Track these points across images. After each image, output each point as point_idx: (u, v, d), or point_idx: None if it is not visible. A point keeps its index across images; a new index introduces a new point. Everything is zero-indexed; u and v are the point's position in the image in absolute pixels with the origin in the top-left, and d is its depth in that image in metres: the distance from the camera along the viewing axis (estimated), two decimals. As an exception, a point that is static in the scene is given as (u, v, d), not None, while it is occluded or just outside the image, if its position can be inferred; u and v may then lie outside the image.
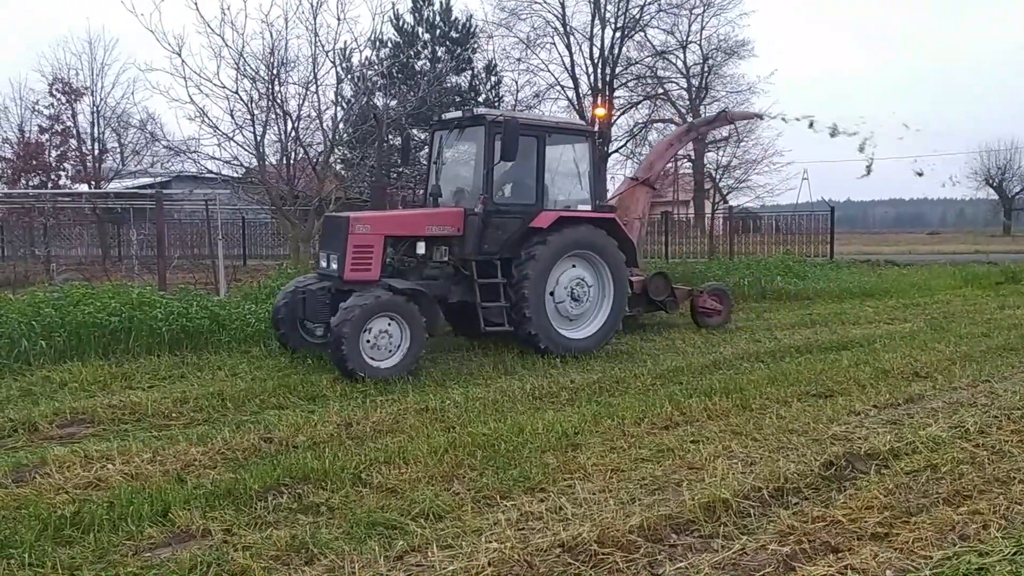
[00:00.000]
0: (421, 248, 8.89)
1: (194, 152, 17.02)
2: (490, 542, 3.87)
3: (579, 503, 4.42)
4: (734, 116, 14.27)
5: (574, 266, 9.41)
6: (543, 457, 5.26)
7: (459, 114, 9.70)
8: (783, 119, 13.96)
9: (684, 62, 35.38)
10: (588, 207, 9.78)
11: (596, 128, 10.74)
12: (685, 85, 36.06)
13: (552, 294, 9.17)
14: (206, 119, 15.49)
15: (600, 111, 11.43)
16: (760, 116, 15.92)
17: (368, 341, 7.83)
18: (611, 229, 9.66)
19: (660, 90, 33.04)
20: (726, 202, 38.30)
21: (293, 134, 16.47)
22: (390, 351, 8.00)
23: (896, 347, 9.49)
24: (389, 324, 7.97)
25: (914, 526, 4.08)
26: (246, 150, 16.27)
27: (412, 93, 19.26)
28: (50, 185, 25.94)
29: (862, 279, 18.46)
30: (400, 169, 26.20)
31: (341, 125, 17.78)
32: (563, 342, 9.12)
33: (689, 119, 36.32)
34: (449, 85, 25.80)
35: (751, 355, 9.17)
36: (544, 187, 9.36)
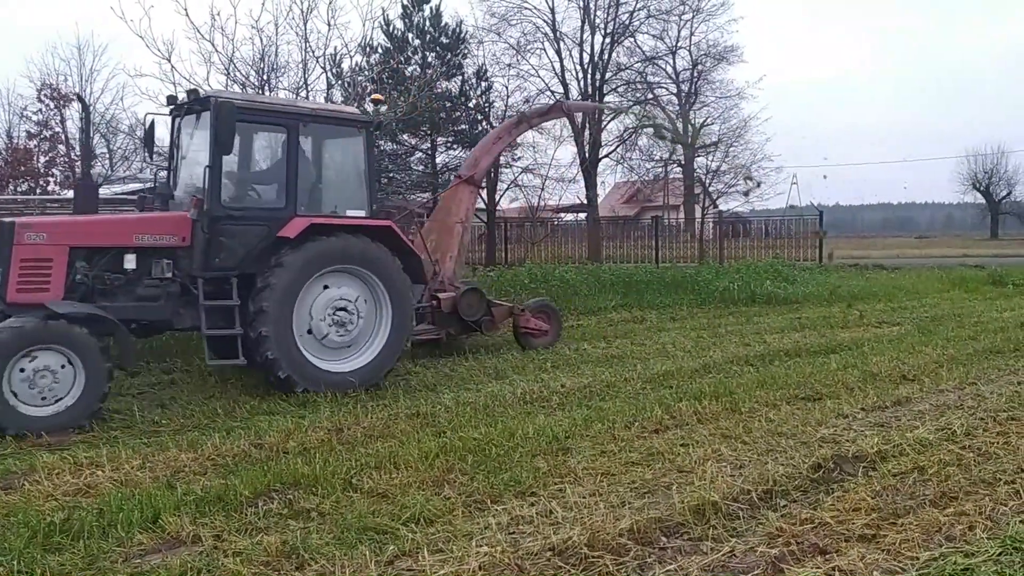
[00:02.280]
0: (131, 262, 7.17)
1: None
2: (481, 546, 3.88)
3: (569, 507, 4.43)
4: (571, 107, 12.89)
5: (339, 285, 7.77)
6: (534, 461, 5.27)
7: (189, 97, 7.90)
8: (633, 114, 13.77)
9: (674, 68, 35.53)
10: (364, 213, 8.13)
11: (374, 119, 9.54)
12: (675, 91, 36.19)
13: (310, 317, 7.58)
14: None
15: (377, 96, 9.00)
16: (600, 108, 15.31)
17: (22, 381, 6.12)
18: (388, 239, 8.01)
19: (650, 95, 33.11)
20: (716, 207, 38.44)
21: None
22: (55, 394, 6.24)
23: (884, 350, 9.55)
24: (54, 360, 6.24)
25: (901, 527, 4.11)
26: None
27: (402, 99, 19.26)
28: (38, 191, 25.81)
29: (851, 283, 18.58)
30: (390, 174, 26.20)
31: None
32: (320, 376, 7.50)
33: (679, 124, 36.55)
34: (440, 91, 25.81)
35: (740, 359, 9.21)
36: (299, 189, 7.74)
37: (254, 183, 8.25)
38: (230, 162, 7.68)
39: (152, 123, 8.78)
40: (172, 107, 8.12)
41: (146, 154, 9.69)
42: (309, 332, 7.59)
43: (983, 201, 74.05)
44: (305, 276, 7.49)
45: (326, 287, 7.68)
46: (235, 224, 7.42)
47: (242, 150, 8.02)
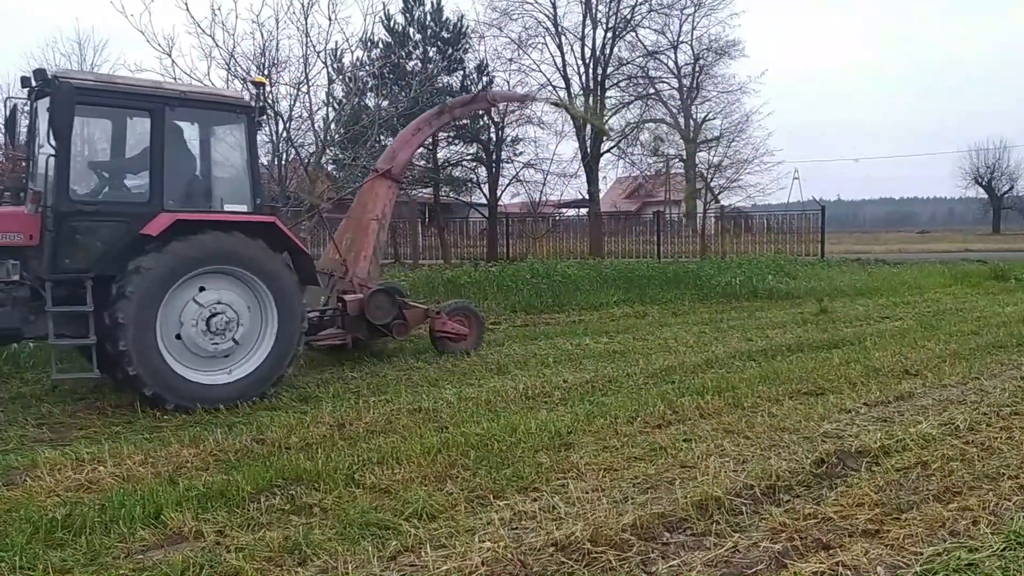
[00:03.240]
0: None
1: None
2: (483, 542, 3.87)
3: (572, 502, 4.43)
4: (496, 97, 11.97)
5: (216, 288, 7.03)
6: (536, 456, 5.26)
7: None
8: (563, 105, 13.36)
9: (675, 62, 35.45)
10: (247, 208, 7.38)
11: (257, 103, 8.13)
12: (676, 85, 36.12)
13: (180, 323, 6.81)
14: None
15: (259, 78, 8.05)
16: (526, 98, 14.79)
17: None
18: (272, 237, 7.28)
19: (651, 90, 33.06)
20: (718, 202, 38.38)
21: (284, 135, 16.43)
22: None
23: (887, 345, 9.53)
24: None
25: (904, 523, 4.10)
26: (237, 151, 16.21)
27: (404, 93, 19.24)
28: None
29: (853, 278, 18.55)
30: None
31: (333, 126, 17.75)
32: (191, 390, 6.75)
33: (680, 120, 36.49)
34: (441, 85, 25.79)
35: (743, 354, 9.19)
36: (168, 181, 6.95)
37: (115, 174, 7.46)
38: (87, 151, 7.07)
39: (15, 108, 7.85)
40: (28, 89, 7.21)
41: (7, 143, 9.44)
42: (179, 338, 6.83)
43: (985, 196, 73.92)
44: (170, 280, 6.67)
45: (203, 289, 6.93)
46: (89, 220, 6.62)
47: (102, 137, 7.32)
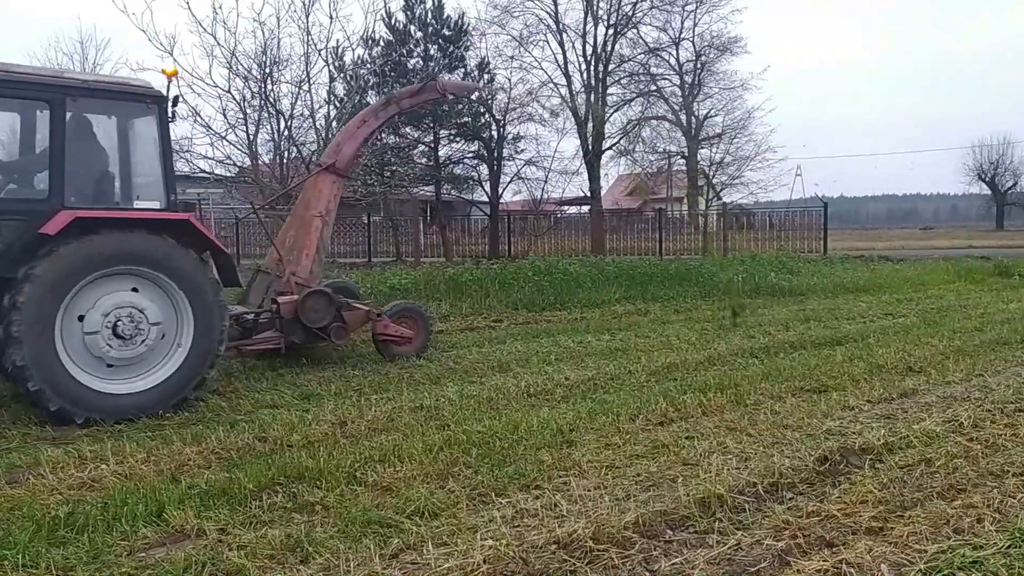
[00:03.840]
0: None
1: (187, 151, 17.00)
2: (485, 539, 3.86)
3: (574, 500, 4.42)
4: (447, 86, 11.06)
5: (125, 290, 6.58)
6: (538, 454, 5.25)
7: None
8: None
9: (677, 59, 35.43)
10: (159, 205, 6.94)
11: (168, 93, 7.24)
12: (678, 82, 36.10)
13: (83, 330, 6.36)
14: (199, 118, 15.45)
15: (169, 70, 8.70)
16: (477, 88, 14.41)
17: None
18: (186, 236, 6.84)
19: (653, 87, 33.05)
20: (720, 199, 38.34)
21: (286, 133, 16.46)
22: None
23: (890, 342, 9.51)
24: None
25: (908, 520, 4.08)
26: (239, 149, 16.28)
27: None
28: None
29: (856, 274, 18.52)
30: (393, 167, 26.17)
31: (334, 124, 17.75)
32: (101, 402, 6.33)
33: (682, 117, 36.44)
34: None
35: (745, 351, 9.18)
36: (70, 176, 6.53)
37: (22, 170, 7.09)
38: None
39: None
40: None
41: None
42: (82, 346, 6.40)
43: (988, 192, 73.80)
44: (67, 285, 6.23)
45: (112, 292, 6.50)
46: None
47: (9, 132, 7.02)
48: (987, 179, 72.52)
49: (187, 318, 6.84)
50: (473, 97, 16.94)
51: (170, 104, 7.17)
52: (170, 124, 7.08)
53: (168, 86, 7.20)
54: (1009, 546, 3.75)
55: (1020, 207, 74.73)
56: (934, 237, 49.34)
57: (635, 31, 31.59)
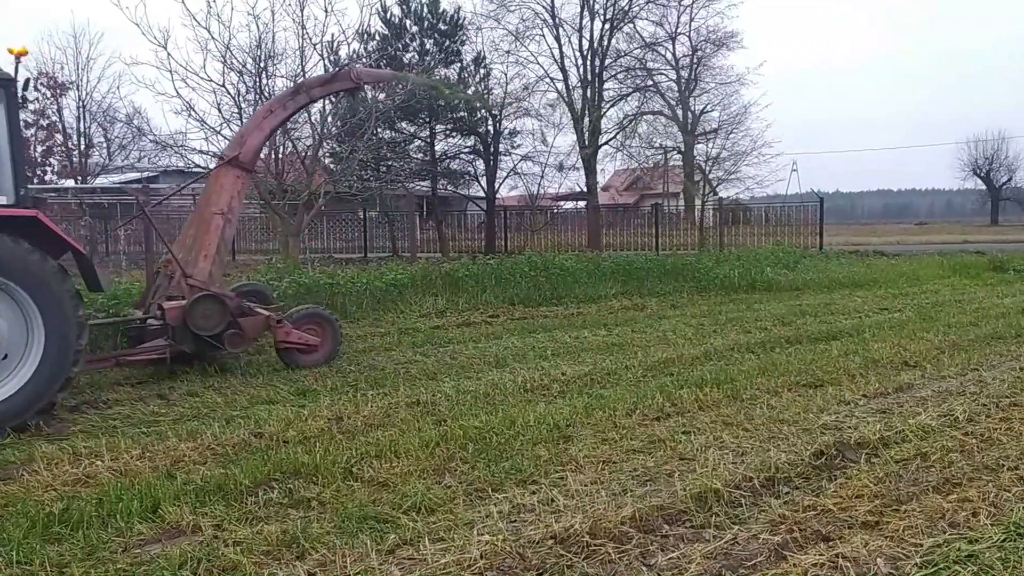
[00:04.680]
0: None
1: (181, 146, 16.95)
2: (482, 535, 3.86)
3: (571, 495, 4.41)
4: (361, 75, 10.13)
5: None
6: (535, 449, 5.25)
7: None
8: (437, 86, 12.61)
9: (673, 54, 35.40)
10: (5, 200, 6.23)
11: (16, 74, 6.49)
12: (674, 77, 36.06)
13: None
14: (193, 113, 15.40)
15: (15, 49, 6.28)
16: (394, 77, 13.82)
17: None
18: (34, 235, 6.09)
19: (649, 82, 33.01)
20: (716, 194, 38.35)
21: (281, 128, 16.38)
22: None
23: (885, 337, 9.53)
24: None
25: (904, 514, 4.09)
26: (234, 144, 16.18)
27: (400, 87, 19.17)
28: (36, 181, 25.74)
29: (851, 269, 18.55)
30: (389, 162, 26.13)
31: (329, 119, 17.70)
32: None
33: (678, 111, 36.42)
34: (438, 78, 25.70)
35: (741, 346, 9.18)
36: None
37: None
38: None
39: None
40: None
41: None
42: None
43: (983, 187, 73.96)
44: None
45: None
46: None
47: None
48: (982, 174, 72.68)
49: (36, 333, 6.03)
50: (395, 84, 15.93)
51: (20, 87, 6.58)
52: (19, 109, 6.44)
53: (16, 67, 6.59)
54: (1004, 540, 3.75)
55: (1015, 202, 74.93)
56: (929, 232, 49.45)
57: (631, 26, 31.54)
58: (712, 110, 36.04)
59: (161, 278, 8.66)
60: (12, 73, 6.47)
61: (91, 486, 4.67)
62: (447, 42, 28.18)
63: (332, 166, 21.23)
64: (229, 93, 15.63)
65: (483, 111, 27.39)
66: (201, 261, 8.34)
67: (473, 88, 27.43)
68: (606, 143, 31.17)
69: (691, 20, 34.09)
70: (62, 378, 6.18)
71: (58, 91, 27.55)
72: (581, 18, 29.68)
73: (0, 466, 5.11)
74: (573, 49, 29.96)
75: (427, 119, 27.03)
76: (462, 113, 27.19)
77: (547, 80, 29.62)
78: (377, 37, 27.27)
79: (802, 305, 13.19)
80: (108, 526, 4.08)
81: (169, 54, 14.31)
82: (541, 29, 29.76)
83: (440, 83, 16.38)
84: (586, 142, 29.40)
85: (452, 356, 8.91)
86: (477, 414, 6.14)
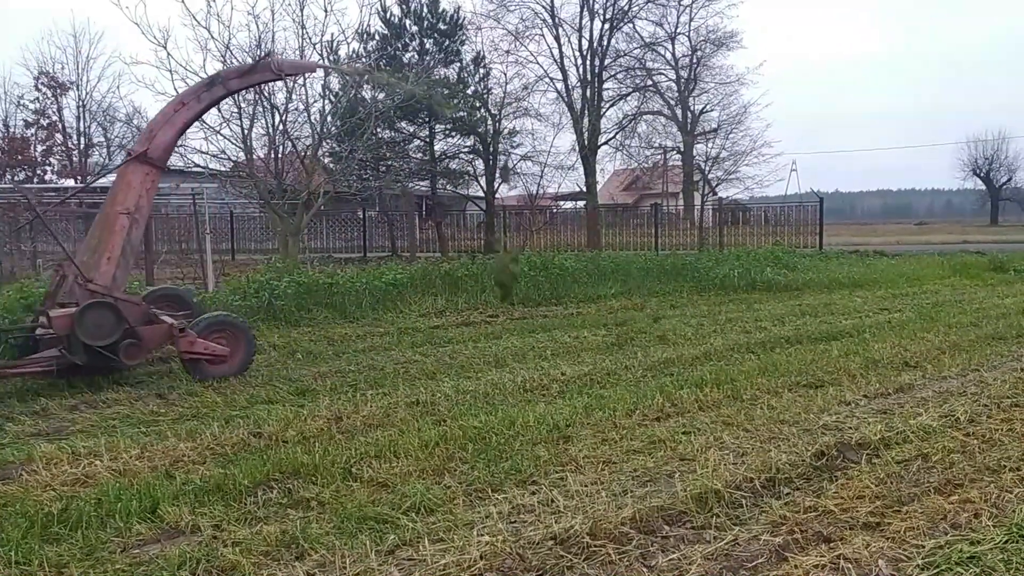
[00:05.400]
0: None
1: (180, 146, 16.92)
2: (482, 535, 3.85)
3: (571, 495, 4.40)
4: (282, 66, 9.43)
5: None
6: (534, 450, 5.24)
7: None
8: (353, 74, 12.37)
9: (673, 54, 35.45)
10: None
11: None
12: (674, 77, 36.08)
13: None
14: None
15: None
16: (316, 67, 13.30)
17: None
18: None
19: (649, 82, 33.01)
20: (715, 194, 38.36)
21: (281, 127, 16.38)
22: None
23: (885, 337, 9.52)
24: None
25: (906, 515, 4.08)
26: (233, 143, 16.20)
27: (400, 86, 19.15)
28: (36, 180, 25.72)
29: (851, 270, 18.53)
30: (389, 163, 26.11)
31: (329, 118, 17.69)
32: None
33: (678, 111, 36.42)
34: (437, 77, 25.70)
35: (741, 346, 9.17)
36: None
37: None
38: None
39: None
40: None
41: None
42: None
43: (983, 187, 73.97)
44: None
45: None
46: None
47: None
48: (982, 174, 72.68)
49: None
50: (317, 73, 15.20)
51: None
52: None
53: None
54: (1006, 541, 3.74)
55: (1015, 202, 74.94)
56: (929, 232, 49.44)
57: (631, 26, 31.56)
58: (711, 110, 36.12)
59: (54, 281, 7.99)
60: None
61: (90, 486, 4.65)
62: (447, 42, 28.19)
63: (331, 165, 21.23)
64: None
65: (483, 110, 27.36)
66: (104, 264, 7.73)
67: (472, 88, 27.38)
68: (605, 143, 31.16)
69: (691, 20, 34.18)
70: None
71: (58, 91, 27.57)
72: (581, 18, 29.68)
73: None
74: (573, 49, 29.96)
75: (427, 119, 27.02)
76: (461, 113, 27.17)
77: (547, 80, 29.62)
78: (377, 37, 27.27)
79: (802, 305, 13.18)
80: (107, 526, 4.06)
81: (169, 54, 14.26)
82: (541, 29, 29.76)
83: (382, 74, 15.85)
84: (585, 142, 29.40)
85: (451, 356, 8.89)
86: (476, 414, 6.13)
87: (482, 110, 27.34)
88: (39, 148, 26.81)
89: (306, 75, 15.56)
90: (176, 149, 17.49)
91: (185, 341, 7.63)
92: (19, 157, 25.96)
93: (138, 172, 8.04)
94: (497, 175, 26.62)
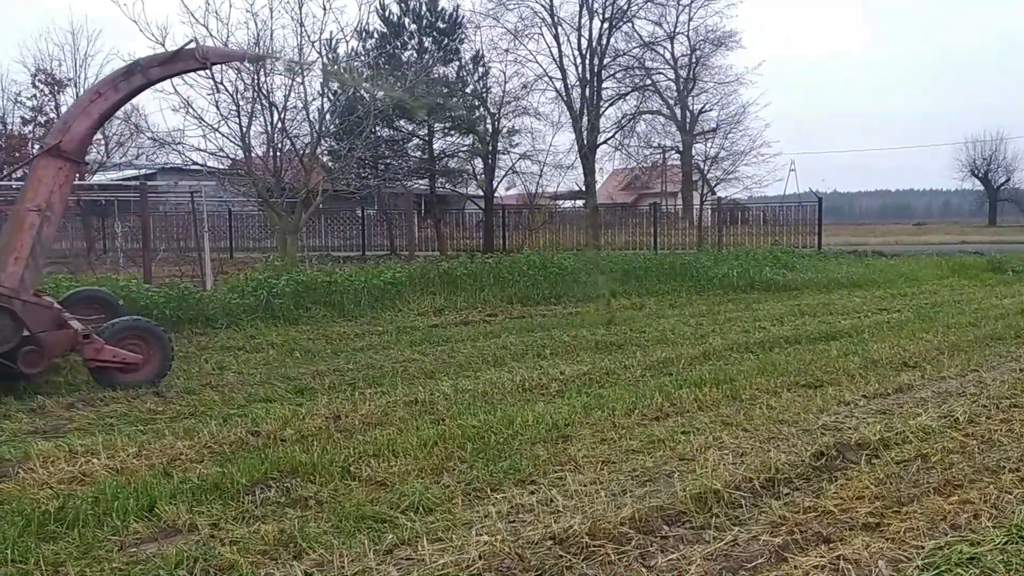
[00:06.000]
0: None
1: (179, 144, 16.92)
2: (480, 535, 3.84)
3: (570, 495, 4.39)
4: (208, 54, 8.67)
5: None
6: (533, 449, 5.22)
7: None
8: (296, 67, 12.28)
9: (672, 53, 35.44)
10: None
11: None
12: (673, 76, 36.07)
13: None
14: (191, 110, 15.35)
15: None
16: (244, 56, 12.78)
17: None
18: None
19: (648, 81, 33.01)
20: (714, 193, 38.34)
21: (279, 125, 16.35)
22: None
23: (884, 337, 9.51)
24: None
25: (905, 516, 4.07)
26: (232, 141, 16.18)
27: (399, 84, 19.14)
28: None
29: (850, 270, 18.54)
30: (388, 161, 26.08)
31: (328, 116, 17.66)
32: None
33: (677, 111, 36.41)
34: (436, 76, 25.68)
35: (740, 346, 9.16)
36: None
37: None
38: None
39: None
40: None
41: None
42: None
43: (981, 188, 74.03)
44: None
45: None
46: None
47: None
48: (980, 175, 72.74)
49: None
50: (246, 63, 14.62)
51: None
52: None
53: None
54: (1006, 542, 3.73)
55: (1013, 203, 75.00)
56: (927, 233, 49.47)
57: (630, 25, 31.57)
58: (710, 109, 36.12)
59: None
60: None
61: (87, 484, 4.63)
62: (446, 40, 28.15)
63: (330, 164, 21.20)
64: (227, 90, 15.57)
65: (481, 109, 27.34)
66: (11, 264, 7.21)
67: (472, 87, 27.33)
68: (604, 142, 31.16)
69: (690, 19, 34.15)
70: None
71: (56, 88, 27.52)
72: (580, 17, 29.72)
73: (-5, 464, 5.07)
74: (572, 48, 29.98)
75: (426, 117, 26.99)
76: (461, 111, 27.15)
77: (546, 79, 29.61)
78: (376, 35, 27.23)
79: (801, 305, 13.18)
80: (104, 525, 4.04)
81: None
82: (540, 28, 29.79)
83: (336, 72, 15.39)
84: (584, 141, 29.38)
85: (450, 355, 8.88)
86: (475, 413, 6.11)
87: (481, 109, 27.32)
88: (36, 146, 26.77)
89: (236, 62, 14.57)
90: (174, 147, 17.51)
91: (91, 348, 7.15)
92: (16, 154, 25.90)
93: (50, 166, 7.52)
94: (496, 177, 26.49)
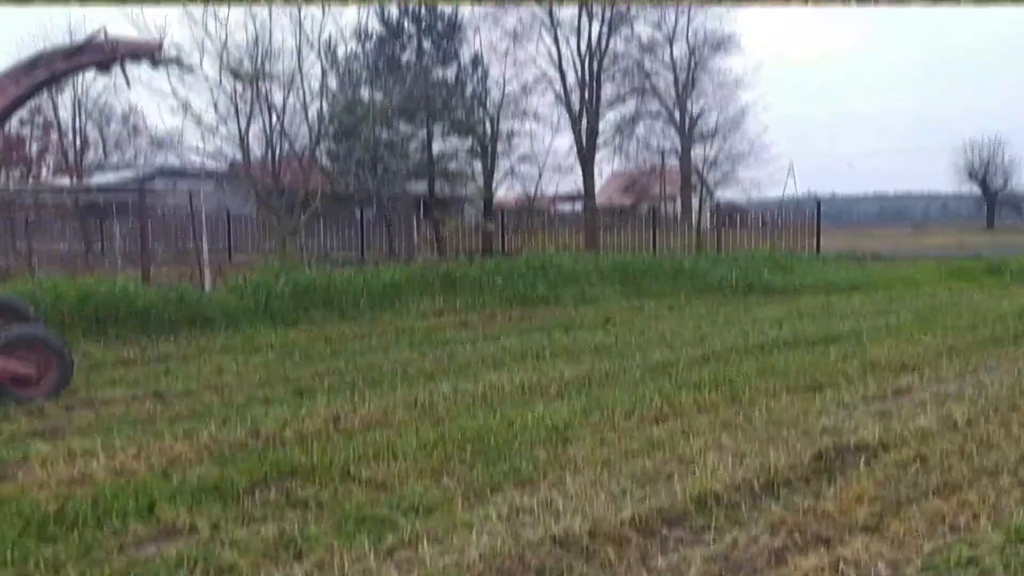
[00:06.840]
0: None
1: (177, 145, 16.90)
2: (481, 536, 3.84)
3: (570, 496, 4.39)
4: (119, 45, 7.86)
5: None
6: (533, 451, 5.23)
7: None
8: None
9: (671, 56, 35.45)
10: None
11: None
12: (672, 79, 36.09)
13: None
14: (189, 112, 15.35)
15: None
16: (153, 48, 12.27)
17: None
18: None
19: (647, 84, 33.06)
20: (713, 196, 38.38)
21: (278, 127, 16.36)
22: None
23: (883, 340, 9.52)
24: None
25: (904, 517, 4.08)
26: (230, 143, 16.16)
27: (398, 86, 19.17)
28: (32, 179, 25.66)
29: (848, 273, 18.56)
30: (386, 163, 26.06)
31: (327, 118, 17.67)
32: None
33: (676, 114, 36.45)
34: (435, 78, 25.71)
35: (740, 348, 9.17)
36: None
37: None
38: None
39: None
40: None
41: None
42: None
43: (979, 192, 74.14)
44: None
45: None
46: None
47: None
48: (978, 179, 72.83)
49: None
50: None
51: None
52: None
53: None
54: (1005, 544, 3.74)
55: (1010, 206, 75.12)
56: (925, 236, 49.51)
57: (629, 27, 31.59)
58: (709, 112, 36.10)
59: None
60: None
61: (86, 486, 4.62)
62: (445, 42, 28.16)
63: (329, 166, 21.21)
64: (225, 92, 15.58)
65: (481, 111, 27.35)
66: None
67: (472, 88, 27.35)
68: (603, 145, 31.18)
69: (688, 22, 34.20)
70: None
71: (54, 89, 27.48)
72: (579, 19, 29.76)
73: (-6, 465, 5.06)
74: (571, 51, 30.01)
75: (425, 119, 27.00)
76: (460, 112, 27.16)
77: (545, 81, 29.64)
78: (375, 37, 27.24)
79: (800, 308, 13.18)
80: (103, 526, 4.04)
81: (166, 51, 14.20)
82: (539, 30, 29.80)
83: (181, 58, 14.86)
84: (583, 143, 29.41)
85: (450, 356, 8.88)
86: (475, 415, 6.12)
87: (479, 110, 27.34)
88: (35, 147, 26.76)
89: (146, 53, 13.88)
90: (172, 148, 17.48)
91: None
92: (15, 155, 25.89)
93: None
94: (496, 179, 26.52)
